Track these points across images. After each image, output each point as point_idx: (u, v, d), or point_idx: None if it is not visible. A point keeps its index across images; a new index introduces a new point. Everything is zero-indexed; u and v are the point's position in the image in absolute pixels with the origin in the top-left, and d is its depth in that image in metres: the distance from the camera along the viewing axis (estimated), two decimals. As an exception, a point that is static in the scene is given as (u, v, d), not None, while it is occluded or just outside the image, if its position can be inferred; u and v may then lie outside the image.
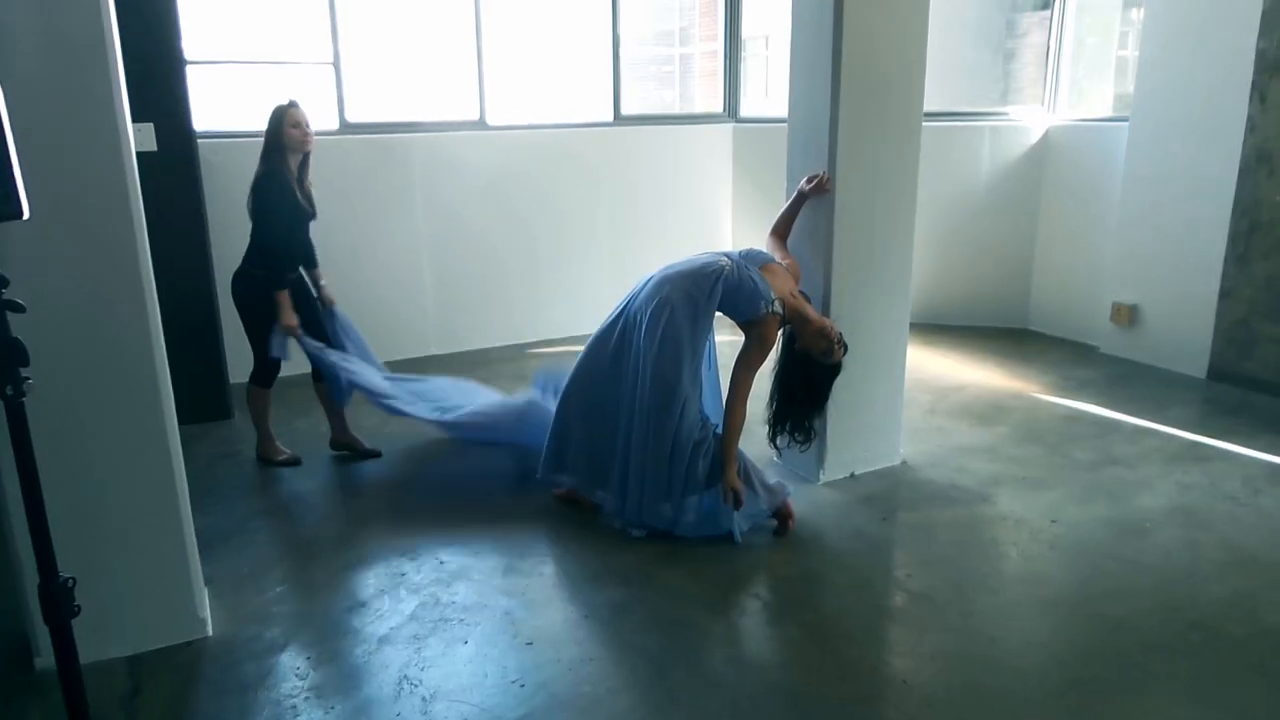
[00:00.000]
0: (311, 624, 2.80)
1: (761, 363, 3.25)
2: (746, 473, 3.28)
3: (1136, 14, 5.79)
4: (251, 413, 4.04)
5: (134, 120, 4.10)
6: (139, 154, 4.18)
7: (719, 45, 6.64)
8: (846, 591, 2.99)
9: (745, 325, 3.25)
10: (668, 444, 3.19)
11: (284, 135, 3.71)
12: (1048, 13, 5.96)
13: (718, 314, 3.27)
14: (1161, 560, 3.11)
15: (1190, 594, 2.91)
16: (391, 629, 2.76)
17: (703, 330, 3.23)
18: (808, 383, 3.33)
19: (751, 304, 3.18)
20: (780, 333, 3.31)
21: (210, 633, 2.73)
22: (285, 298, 3.76)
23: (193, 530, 2.79)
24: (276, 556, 3.23)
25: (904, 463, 3.95)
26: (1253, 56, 4.61)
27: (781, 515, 3.34)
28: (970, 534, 3.34)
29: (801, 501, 3.50)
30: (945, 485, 3.75)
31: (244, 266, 3.84)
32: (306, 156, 3.82)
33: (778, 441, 3.47)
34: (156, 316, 2.62)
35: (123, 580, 2.56)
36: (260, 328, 3.86)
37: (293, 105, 3.76)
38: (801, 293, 3.40)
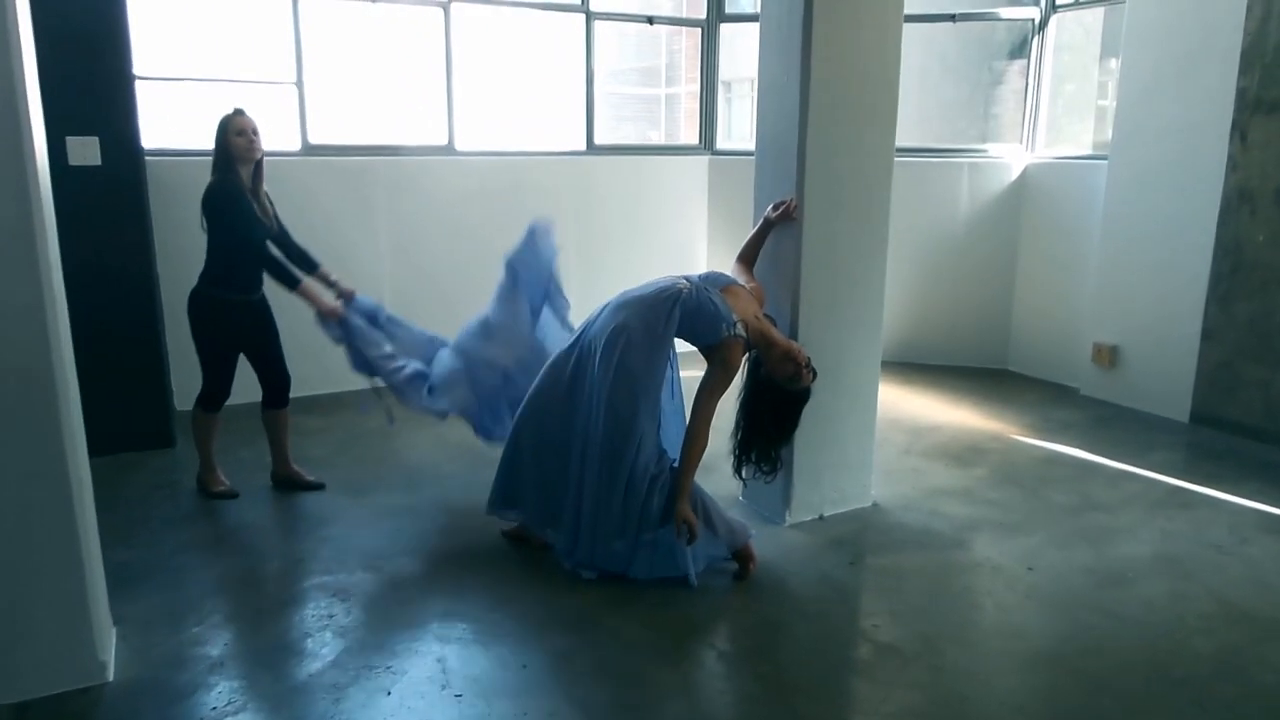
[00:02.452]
0: (224, 669, 2.56)
1: (724, 389, 3.07)
2: (705, 509, 3.08)
3: (1114, 63, 5.75)
4: (195, 438, 3.82)
5: (77, 134, 4.02)
6: (81, 168, 4.06)
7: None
8: (809, 642, 2.78)
9: (707, 351, 3.07)
10: (623, 479, 3.00)
11: (230, 145, 3.54)
12: (1024, 60, 5.90)
13: (683, 342, 3.10)
14: (1145, 613, 2.92)
15: (1176, 650, 2.71)
16: (310, 676, 2.53)
17: (661, 358, 3.05)
18: (775, 410, 3.15)
19: (712, 327, 3.01)
20: (746, 358, 3.13)
21: (111, 678, 2.49)
22: (309, 288, 3.61)
23: (99, 566, 2.58)
24: (199, 595, 3.00)
25: (875, 505, 3.76)
26: (1233, 95, 4.54)
27: (742, 557, 3.14)
28: (943, 581, 3.15)
29: (765, 543, 3.29)
30: (918, 529, 3.56)
31: (198, 286, 3.64)
32: (258, 166, 3.64)
33: (743, 472, 3.27)
34: (62, 337, 2.41)
35: (8, 620, 2.32)
36: (211, 349, 3.68)
37: (238, 113, 3.59)
38: (767, 316, 3.23)
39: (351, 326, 3.66)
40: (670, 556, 3.06)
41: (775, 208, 3.40)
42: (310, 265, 3.82)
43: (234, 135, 3.53)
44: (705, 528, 3.05)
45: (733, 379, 3.09)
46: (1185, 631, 2.82)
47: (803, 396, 3.15)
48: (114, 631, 2.69)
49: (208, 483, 3.83)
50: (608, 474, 3.01)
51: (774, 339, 3.11)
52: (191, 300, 3.65)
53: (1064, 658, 2.67)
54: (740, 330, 3.02)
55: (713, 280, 3.16)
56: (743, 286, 3.23)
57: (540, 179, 5.82)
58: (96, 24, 3.98)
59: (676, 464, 3.08)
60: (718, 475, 3.77)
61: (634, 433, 2.99)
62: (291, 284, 3.58)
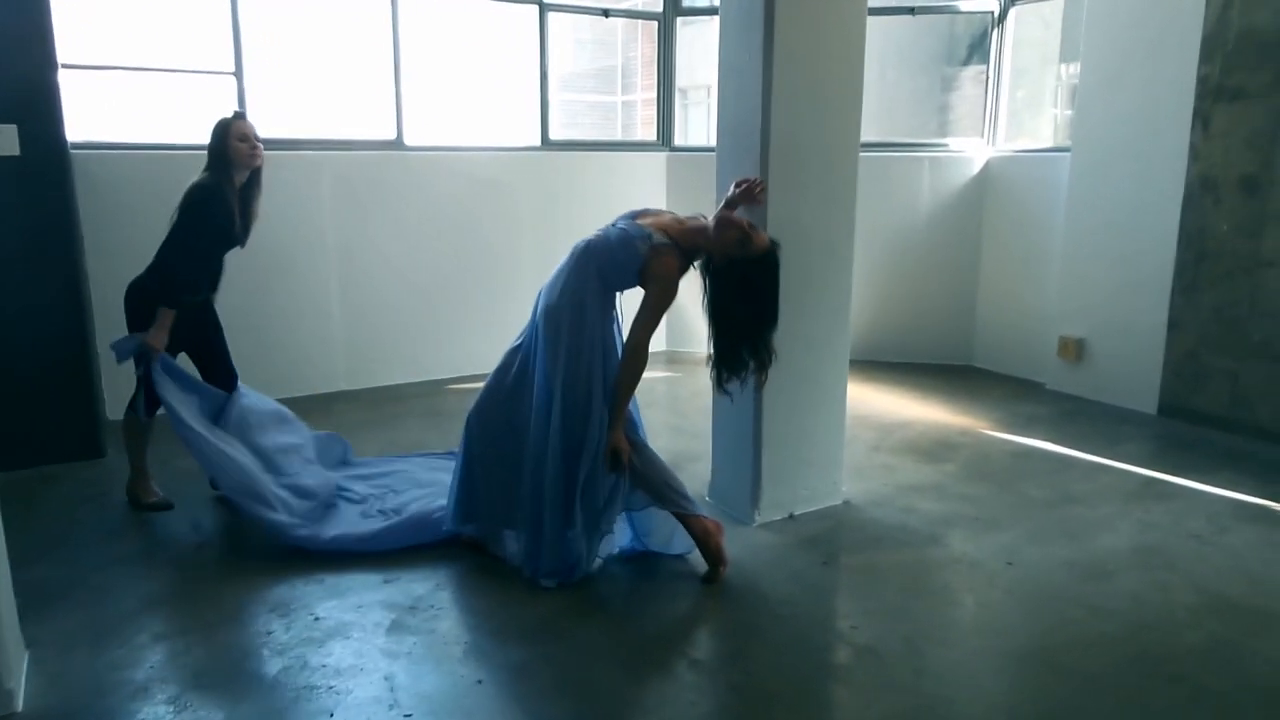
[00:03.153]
0: (148, 695, 2.33)
1: (662, 305, 2.81)
2: (640, 459, 2.90)
3: (1068, 70, 5.71)
4: (126, 444, 3.56)
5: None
6: (-5, 158, 3.79)
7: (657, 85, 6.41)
8: (784, 646, 2.61)
9: (642, 280, 2.84)
10: (587, 465, 2.81)
11: (230, 150, 3.37)
12: (984, 54, 5.85)
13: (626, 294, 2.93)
14: (1130, 606, 2.81)
15: (1165, 643, 2.59)
16: (244, 700, 2.30)
17: (598, 323, 2.84)
18: (745, 289, 2.80)
19: (629, 250, 2.80)
20: (696, 268, 2.90)
21: (19, 707, 2.25)
22: (168, 318, 3.33)
23: (6, 583, 2.33)
24: (124, 614, 2.75)
25: (847, 502, 3.62)
26: (1194, 83, 4.50)
27: (712, 560, 2.96)
28: (920, 579, 3.01)
29: (734, 544, 3.13)
30: (892, 526, 3.42)
31: (143, 279, 3.41)
32: (256, 173, 3.49)
33: (726, 384, 2.92)
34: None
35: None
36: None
37: (239, 117, 3.45)
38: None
39: (154, 375, 3.31)
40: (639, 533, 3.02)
41: (738, 185, 3.23)
42: (214, 286, 3.60)
43: (236, 140, 3.36)
44: (634, 480, 2.88)
45: (671, 292, 2.82)
46: (1173, 624, 2.70)
47: (768, 261, 2.80)
48: (25, 655, 2.44)
49: (139, 493, 3.57)
50: (574, 463, 2.82)
51: (706, 224, 2.86)
52: (133, 293, 3.40)
53: (1051, 654, 2.54)
54: (661, 238, 2.81)
55: (623, 217, 2.97)
56: (662, 210, 3.01)
57: (494, 175, 5.63)
58: (15, 7, 3.73)
59: (638, 430, 2.95)
60: (684, 475, 3.61)
61: (591, 413, 2.81)
62: (169, 303, 3.32)
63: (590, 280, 2.84)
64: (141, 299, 3.39)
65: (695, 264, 2.91)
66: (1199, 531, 3.34)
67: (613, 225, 2.91)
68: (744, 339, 2.85)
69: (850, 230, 3.47)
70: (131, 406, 3.49)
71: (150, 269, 3.43)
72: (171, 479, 3.74)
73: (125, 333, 3.40)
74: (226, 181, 3.39)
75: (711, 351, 2.91)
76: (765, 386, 3.07)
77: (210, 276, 3.55)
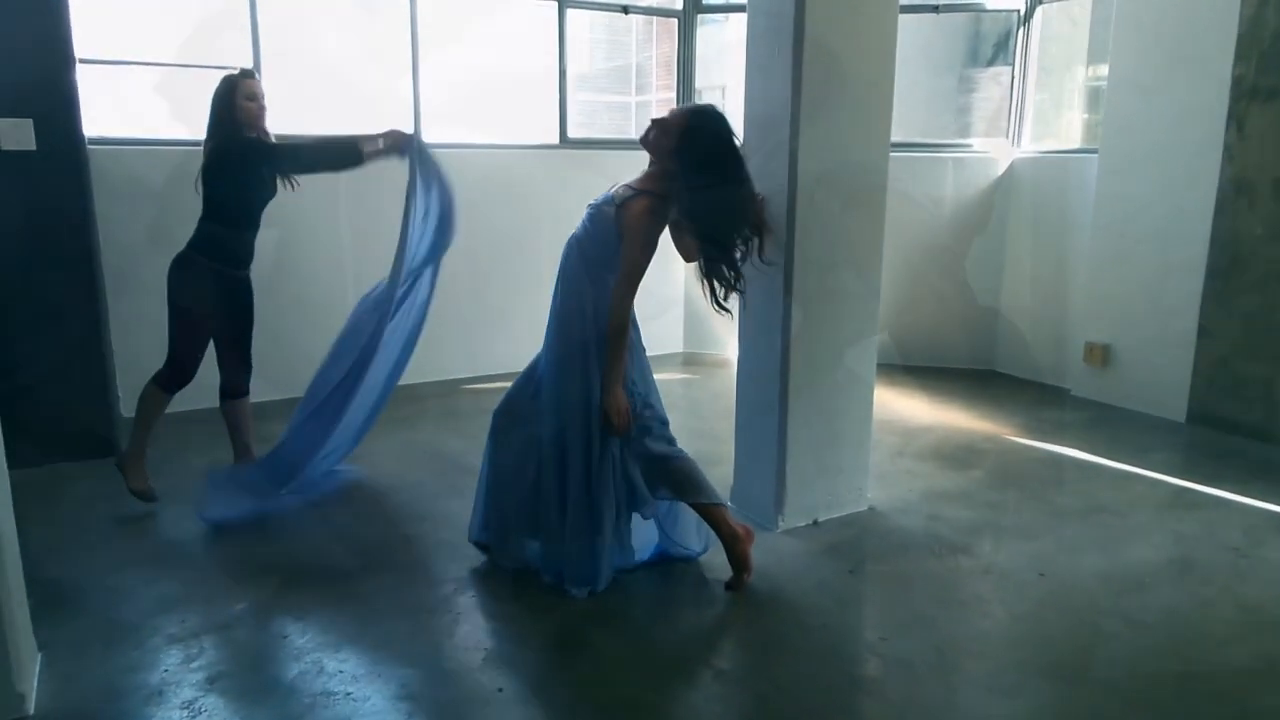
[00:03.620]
0: (162, 698, 2.28)
1: (636, 252, 2.70)
2: (684, 466, 2.83)
3: (1096, 70, 5.61)
4: (137, 414, 3.46)
5: (8, 115, 3.72)
6: (13, 153, 3.75)
7: (674, 89, 6.35)
8: (812, 657, 2.54)
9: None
10: (596, 449, 2.74)
11: (238, 110, 3.25)
12: (1009, 54, 5.76)
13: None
14: (1168, 620, 2.72)
15: (1208, 660, 2.51)
16: (260, 705, 2.25)
17: (589, 311, 2.78)
18: (694, 164, 2.65)
19: (601, 222, 2.76)
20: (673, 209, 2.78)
21: (31, 710, 2.20)
22: (368, 143, 3.33)
23: (19, 584, 2.29)
24: (139, 615, 2.70)
25: (872, 508, 3.54)
26: (1229, 83, 4.40)
27: (736, 565, 2.89)
28: (950, 589, 2.93)
29: (757, 550, 3.03)
30: (918, 533, 3.34)
31: (187, 252, 3.35)
32: (263, 136, 3.38)
33: (721, 294, 2.77)
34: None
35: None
36: (188, 320, 3.37)
37: (246, 75, 3.32)
38: None
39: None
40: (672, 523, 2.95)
41: None
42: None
43: (244, 99, 3.24)
44: (654, 473, 2.80)
45: (642, 234, 2.70)
46: (1214, 640, 2.62)
47: (693, 122, 2.68)
48: (38, 658, 2.40)
49: (128, 471, 3.46)
50: (597, 457, 2.75)
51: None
52: (177, 265, 3.34)
53: (1089, 668, 2.46)
54: (625, 192, 2.74)
55: None
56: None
57: (511, 173, 5.57)
58: (33, 1, 3.70)
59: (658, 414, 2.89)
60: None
61: (591, 404, 2.74)
62: (356, 159, 3.31)
63: (579, 272, 2.80)
64: (187, 271, 3.33)
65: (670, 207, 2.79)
66: (1235, 544, 3.24)
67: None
68: (723, 210, 2.71)
69: (880, 233, 3.40)
70: (155, 378, 3.43)
71: (194, 243, 3.36)
72: (186, 478, 3.70)
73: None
74: (245, 137, 3.29)
75: (702, 262, 2.76)
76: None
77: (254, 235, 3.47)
